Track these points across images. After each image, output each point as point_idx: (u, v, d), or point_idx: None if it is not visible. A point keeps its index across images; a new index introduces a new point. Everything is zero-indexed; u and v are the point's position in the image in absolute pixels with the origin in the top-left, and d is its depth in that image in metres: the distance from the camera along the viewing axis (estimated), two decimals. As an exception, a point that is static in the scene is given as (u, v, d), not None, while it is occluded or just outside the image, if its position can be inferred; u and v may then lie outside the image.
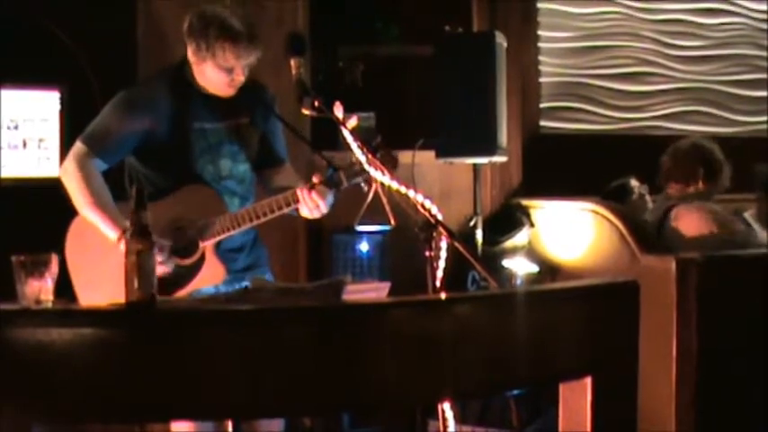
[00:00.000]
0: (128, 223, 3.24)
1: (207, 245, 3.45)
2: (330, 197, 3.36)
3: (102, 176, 3.46)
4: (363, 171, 3.26)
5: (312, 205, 3.34)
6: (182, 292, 3.43)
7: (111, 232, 3.34)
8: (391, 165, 3.23)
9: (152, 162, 3.52)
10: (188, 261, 3.46)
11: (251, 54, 3.39)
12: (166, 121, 3.46)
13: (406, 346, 1.83)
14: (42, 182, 4.39)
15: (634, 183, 5.00)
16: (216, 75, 3.42)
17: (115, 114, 3.47)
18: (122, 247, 3.15)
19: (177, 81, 3.48)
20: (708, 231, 4.26)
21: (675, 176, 4.53)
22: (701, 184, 4.50)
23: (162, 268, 3.30)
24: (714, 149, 4.55)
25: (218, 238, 3.45)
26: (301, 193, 3.33)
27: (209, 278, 3.47)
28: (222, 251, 3.51)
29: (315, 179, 3.36)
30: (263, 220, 3.42)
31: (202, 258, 3.46)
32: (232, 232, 3.45)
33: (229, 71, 3.40)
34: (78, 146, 3.45)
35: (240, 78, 3.44)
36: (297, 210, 3.41)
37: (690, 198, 4.44)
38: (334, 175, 3.34)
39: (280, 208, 3.40)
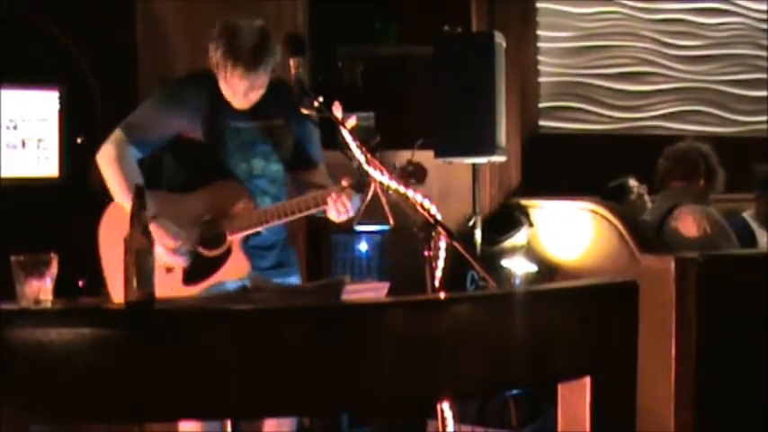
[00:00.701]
0: (156, 210, 3.33)
1: (234, 238, 3.49)
2: (357, 201, 3.38)
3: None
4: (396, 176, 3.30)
5: (341, 208, 3.37)
6: (206, 283, 3.49)
7: None
8: (421, 178, 3.30)
9: (186, 157, 3.58)
10: (214, 253, 3.50)
11: (256, 76, 3.41)
12: (203, 117, 3.52)
13: (405, 345, 1.83)
14: (41, 182, 4.40)
15: (633, 182, 5.01)
16: (226, 89, 3.47)
17: (154, 106, 3.56)
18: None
19: (215, 80, 3.51)
20: (702, 232, 4.26)
21: (677, 175, 4.54)
22: (702, 183, 4.51)
23: (181, 259, 3.43)
24: (711, 152, 4.57)
25: (245, 233, 3.49)
26: (330, 195, 3.36)
27: (234, 271, 3.50)
28: (250, 247, 3.55)
29: (344, 182, 3.38)
30: (290, 218, 3.47)
31: (228, 251, 3.50)
32: (259, 228, 3.50)
33: (238, 88, 3.43)
34: (116, 132, 3.52)
35: (254, 94, 3.47)
36: (324, 211, 3.45)
37: (692, 196, 4.45)
38: (363, 179, 3.34)
39: (308, 208, 3.44)
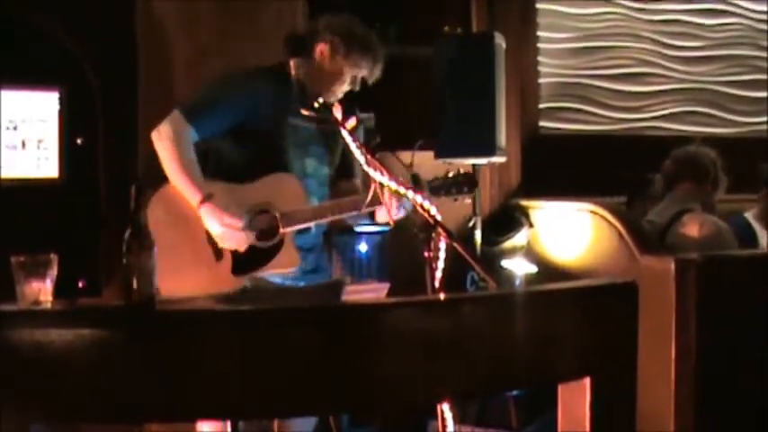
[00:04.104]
0: (210, 191, 3.38)
1: (286, 231, 3.51)
2: (407, 201, 3.43)
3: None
4: (447, 184, 3.59)
5: (394, 210, 3.41)
6: (254, 274, 3.51)
7: (194, 196, 3.43)
8: (471, 187, 3.62)
9: (244, 147, 3.60)
10: (266, 244, 3.52)
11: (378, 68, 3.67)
12: (265, 110, 3.56)
13: (405, 346, 1.83)
14: (41, 182, 4.40)
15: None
16: (340, 79, 3.62)
17: (217, 91, 3.61)
18: (202, 212, 3.38)
19: (280, 76, 3.58)
20: (709, 241, 4.27)
21: (686, 177, 4.55)
22: (710, 186, 4.53)
23: (239, 238, 3.44)
24: (718, 158, 4.59)
25: (298, 227, 3.54)
26: (383, 195, 3.38)
27: (284, 264, 3.53)
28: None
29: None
30: (342, 216, 3.54)
31: (280, 244, 3.53)
32: (311, 223, 3.56)
33: (354, 79, 3.63)
34: (175, 113, 3.54)
35: (355, 87, 3.67)
36: (374, 212, 3.53)
37: (700, 199, 4.47)
38: (414, 179, 3.45)
39: (357, 208, 3.49)
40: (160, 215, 3.48)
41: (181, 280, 3.37)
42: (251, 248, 3.50)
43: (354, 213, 3.51)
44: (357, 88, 3.68)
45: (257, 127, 3.56)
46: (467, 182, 3.67)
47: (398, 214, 3.45)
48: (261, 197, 3.54)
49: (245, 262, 3.49)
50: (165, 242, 3.43)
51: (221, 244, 3.45)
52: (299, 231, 3.57)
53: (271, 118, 3.57)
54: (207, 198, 3.40)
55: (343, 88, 3.66)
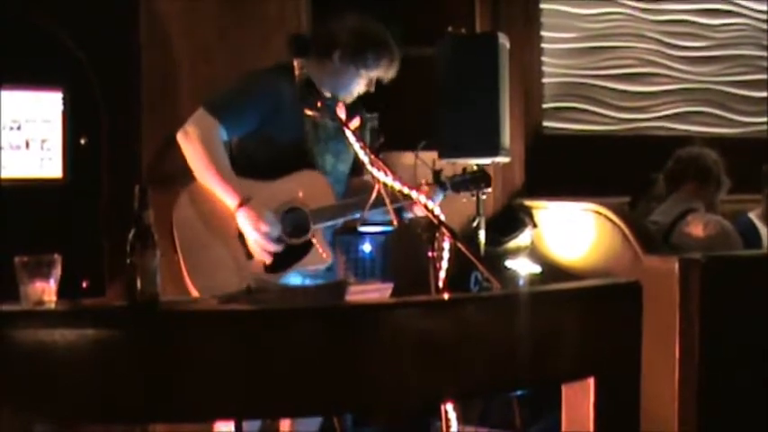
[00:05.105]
0: (248, 194, 3.38)
1: (316, 228, 3.54)
2: (440, 195, 3.59)
3: None
4: (466, 180, 3.73)
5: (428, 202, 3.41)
6: (287, 272, 3.52)
7: (230, 200, 3.43)
8: (488, 183, 3.80)
9: (268, 144, 3.60)
10: (298, 241, 3.53)
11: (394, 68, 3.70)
12: (289, 108, 3.55)
13: (410, 346, 1.83)
14: (45, 182, 4.40)
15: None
16: (357, 82, 3.64)
17: (243, 90, 3.61)
18: (239, 215, 3.39)
19: (292, 76, 3.54)
20: (713, 241, 4.27)
21: (690, 178, 4.55)
22: (713, 187, 4.53)
23: (273, 245, 3.44)
24: (720, 159, 4.61)
25: (328, 223, 3.58)
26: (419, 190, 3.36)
27: (316, 261, 3.55)
28: None
29: (424, 181, 3.60)
30: (370, 211, 3.47)
31: (310, 242, 3.54)
32: (340, 220, 3.60)
33: (370, 81, 3.65)
34: (201, 112, 3.51)
35: (371, 89, 3.70)
36: (408, 206, 3.53)
37: (704, 199, 4.47)
38: (436, 177, 3.60)
39: (383, 204, 3.45)
40: (190, 214, 3.47)
41: (213, 279, 3.37)
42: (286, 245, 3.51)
43: (393, 206, 3.50)
44: (372, 89, 3.69)
45: (282, 125, 3.57)
46: (483, 178, 3.81)
47: (437, 200, 3.55)
48: (290, 194, 3.54)
49: (278, 260, 3.49)
50: (197, 241, 3.45)
51: (253, 249, 3.45)
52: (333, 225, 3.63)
53: (294, 115, 3.56)
54: (245, 202, 3.41)
55: (359, 89, 3.68)
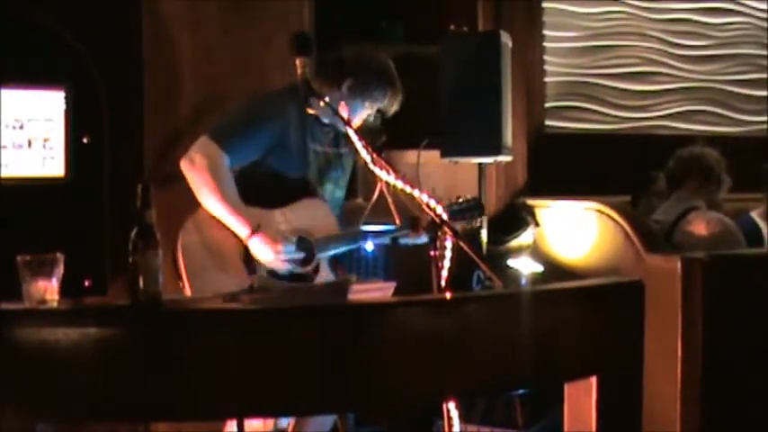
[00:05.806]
0: (257, 222, 3.41)
1: (322, 257, 3.58)
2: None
3: None
4: (462, 209, 3.75)
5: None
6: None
7: (242, 229, 3.44)
8: (481, 212, 3.82)
9: (271, 172, 3.60)
10: (306, 269, 3.56)
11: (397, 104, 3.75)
12: (292, 135, 3.59)
13: (412, 345, 1.83)
14: (47, 181, 4.39)
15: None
16: (360, 112, 3.68)
17: (248, 117, 3.59)
18: (253, 243, 3.41)
19: (299, 100, 3.55)
20: (716, 238, 4.27)
21: (692, 176, 4.56)
22: (714, 185, 4.54)
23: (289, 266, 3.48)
24: (721, 158, 4.61)
25: (330, 253, 3.61)
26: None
27: None
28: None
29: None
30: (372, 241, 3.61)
31: (317, 269, 3.58)
32: (342, 249, 3.64)
33: (374, 111, 3.69)
34: (205, 140, 3.50)
35: (370, 119, 3.74)
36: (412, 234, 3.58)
37: (705, 198, 4.47)
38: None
39: (387, 233, 3.59)
40: (195, 240, 3.46)
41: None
42: (290, 274, 3.53)
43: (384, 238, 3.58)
44: (372, 119, 3.73)
45: (285, 152, 3.58)
46: (477, 207, 3.81)
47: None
48: (295, 222, 3.56)
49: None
50: (202, 266, 3.45)
51: (274, 267, 3.47)
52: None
53: (297, 143, 3.59)
54: (256, 230, 3.42)
55: (361, 117, 3.71)
